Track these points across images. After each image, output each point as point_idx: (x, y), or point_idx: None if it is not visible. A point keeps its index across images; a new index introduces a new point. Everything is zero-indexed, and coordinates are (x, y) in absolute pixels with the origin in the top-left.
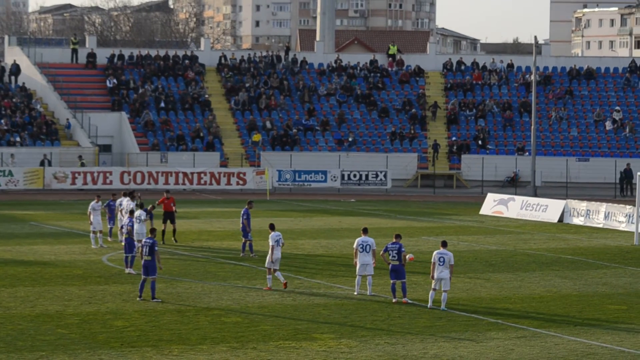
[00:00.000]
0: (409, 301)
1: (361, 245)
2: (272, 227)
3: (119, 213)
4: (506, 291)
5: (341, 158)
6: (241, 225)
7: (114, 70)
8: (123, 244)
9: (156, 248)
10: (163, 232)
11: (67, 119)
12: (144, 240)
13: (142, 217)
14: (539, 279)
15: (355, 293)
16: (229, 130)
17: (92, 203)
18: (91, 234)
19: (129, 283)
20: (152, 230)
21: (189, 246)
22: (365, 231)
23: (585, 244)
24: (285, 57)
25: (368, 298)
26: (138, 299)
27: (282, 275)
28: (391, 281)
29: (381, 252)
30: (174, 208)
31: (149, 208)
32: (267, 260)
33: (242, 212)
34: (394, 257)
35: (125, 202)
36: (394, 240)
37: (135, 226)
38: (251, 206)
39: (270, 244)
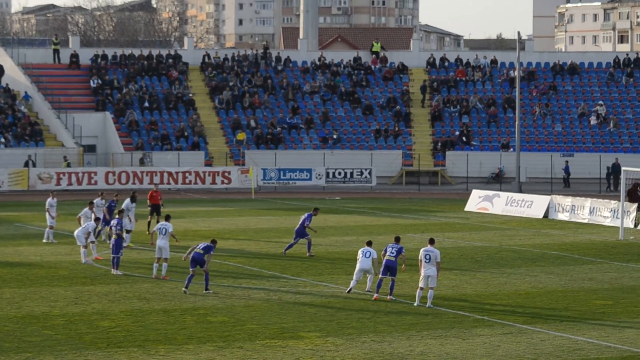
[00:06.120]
0: (394, 299)
1: (362, 252)
2: (166, 218)
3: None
4: (492, 287)
5: (326, 156)
6: (298, 226)
7: (98, 70)
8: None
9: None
10: (149, 223)
11: (26, 92)
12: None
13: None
14: (525, 275)
15: (347, 290)
16: (213, 129)
17: (93, 203)
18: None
19: (114, 283)
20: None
21: (175, 246)
22: (369, 244)
23: (571, 239)
24: (264, 55)
25: (354, 296)
26: (184, 290)
27: (166, 270)
28: (381, 276)
29: (382, 253)
30: (160, 201)
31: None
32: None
33: (304, 217)
34: (392, 253)
35: (96, 201)
36: (394, 242)
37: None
38: (315, 213)
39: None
